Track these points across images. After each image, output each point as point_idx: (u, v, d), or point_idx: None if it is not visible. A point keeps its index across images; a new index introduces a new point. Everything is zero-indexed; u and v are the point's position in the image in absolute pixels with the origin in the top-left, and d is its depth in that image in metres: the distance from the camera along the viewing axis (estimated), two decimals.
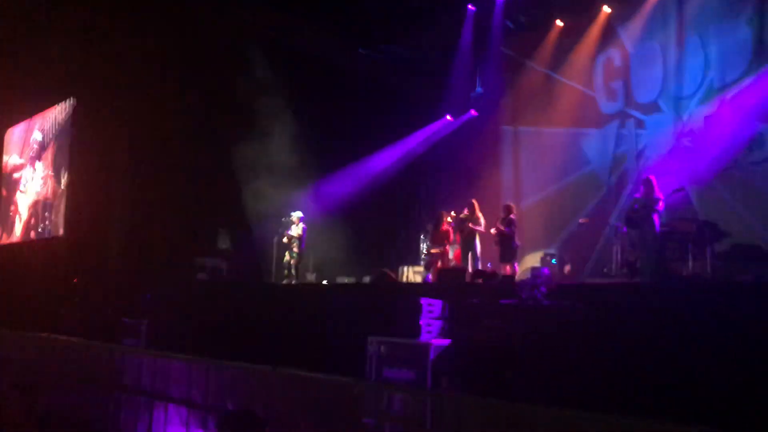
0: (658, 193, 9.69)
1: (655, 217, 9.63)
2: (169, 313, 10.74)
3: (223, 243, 14.66)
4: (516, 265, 11.92)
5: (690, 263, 9.61)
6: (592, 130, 14.72)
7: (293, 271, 13.08)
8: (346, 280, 14.12)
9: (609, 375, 5.41)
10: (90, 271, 14.08)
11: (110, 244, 14.57)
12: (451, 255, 13.06)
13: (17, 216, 18.35)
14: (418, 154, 17.35)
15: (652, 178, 9.98)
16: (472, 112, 16.96)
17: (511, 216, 11.92)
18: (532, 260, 13.76)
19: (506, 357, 5.88)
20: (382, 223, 16.56)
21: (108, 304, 12.16)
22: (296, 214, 13.30)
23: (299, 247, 13.17)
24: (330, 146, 15.00)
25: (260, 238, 14.05)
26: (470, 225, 12.10)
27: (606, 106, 14.56)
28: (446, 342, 6.37)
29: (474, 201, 12.40)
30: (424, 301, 6.69)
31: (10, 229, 18.67)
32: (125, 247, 14.38)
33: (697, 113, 12.82)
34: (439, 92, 16.78)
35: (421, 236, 15.80)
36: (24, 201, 18.21)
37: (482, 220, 12.19)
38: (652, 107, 13.66)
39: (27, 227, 17.73)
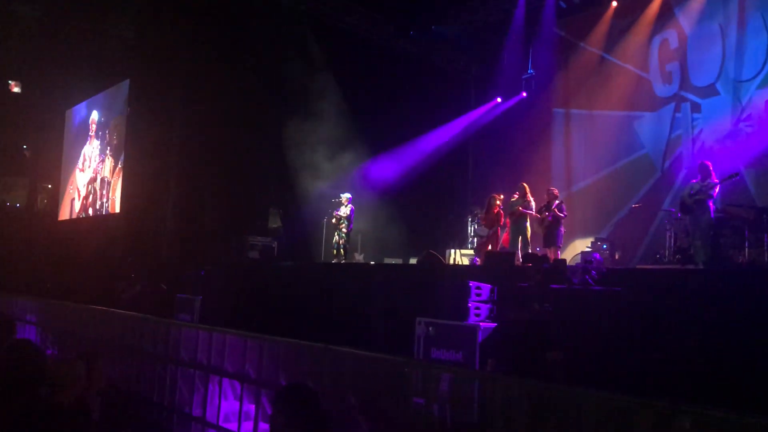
0: (714, 179, 9.46)
1: (710, 203, 9.42)
2: (222, 290, 10.89)
3: (274, 222, 14.74)
4: (558, 251, 11.59)
5: (746, 251, 9.36)
6: (646, 113, 14.32)
7: (341, 251, 13.05)
8: (393, 261, 14.07)
9: (659, 362, 5.40)
10: (145, 247, 14.61)
11: (165, 222, 14.84)
12: (500, 239, 12.61)
13: (76, 193, 19.05)
14: (467, 136, 17.22)
15: (708, 163, 9.77)
16: (523, 94, 16.70)
17: (555, 201, 11.61)
18: (582, 245, 13.51)
19: (554, 341, 5.87)
20: (431, 205, 16.35)
21: (163, 280, 12.44)
22: (345, 196, 13.26)
23: (347, 227, 13.12)
24: (380, 128, 14.88)
25: (310, 218, 14.05)
26: (520, 209, 11.87)
27: (661, 89, 14.18)
28: (494, 325, 6.36)
29: (524, 184, 12.15)
30: (472, 284, 6.76)
31: (69, 206, 19.37)
32: (179, 224, 14.65)
33: (757, 97, 12.42)
34: (489, 74, 16.64)
35: (470, 219, 15.77)
36: (82, 179, 18.92)
37: (533, 204, 11.94)
38: (710, 90, 13.26)
39: (84, 204, 18.46)
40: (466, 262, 13.45)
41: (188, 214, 14.66)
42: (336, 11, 15.22)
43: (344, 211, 13.16)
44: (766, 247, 9.34)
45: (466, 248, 14.47)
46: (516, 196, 12.16)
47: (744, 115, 12.52)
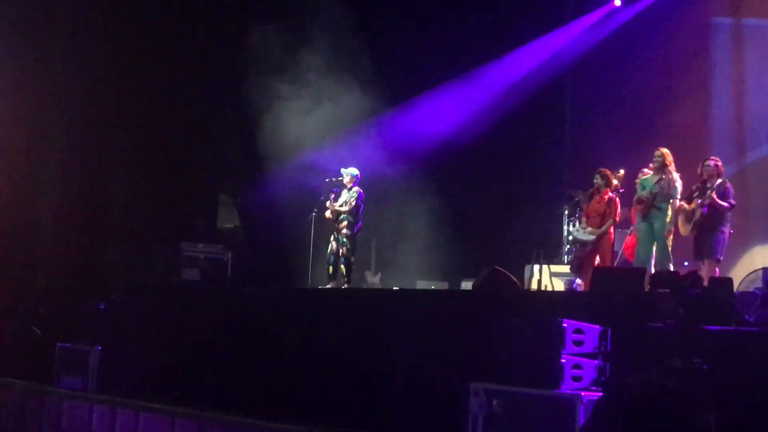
0: None
1: None
2: (137, 335, 11.22)
3: (227, 220, 15.12)
4: (717, 266, 11.19)
5: None
6: None
7: (342, 269, 12.78)
8: (432, 286, 13.82)
9: None
10: (8, 265, 14.35)
11: (42, 224, 14.94)
12: (618, 244, 12.61)
13: None
14: (562, 67, 16.47)
15: None
16: None
17: (715, 181, 11.27)
18: (762, 257, 13.00)
19: (709, 425, 5.93)
20: (496, 189, 15.71)
21: (36, 319, 12.65)
22: (349, 172, 13.03)
23: (352, 227, 12.79)
24: (407, 54, 14.93)
25: (287, 212, 14.18)
26: (653, 194, 11.47)
27: None
28: (605, 395, 6.52)
29: (664, 151, 11.61)
30: (568, 324, 6.91)
31: None
32: (66, 227, 14.71)
33: None
34: None
35: (564, 211, 15.05)
36: None
37: (677, 185, 11.50)
38: None
39: None
40: (558, 286, 13.18)
41: (81, 211, 14.69)
42: None
43: (347, 199, 12.91)
44: None
45: (559, 263, 13.99)
46: (646, 171, 11.96)
47: None
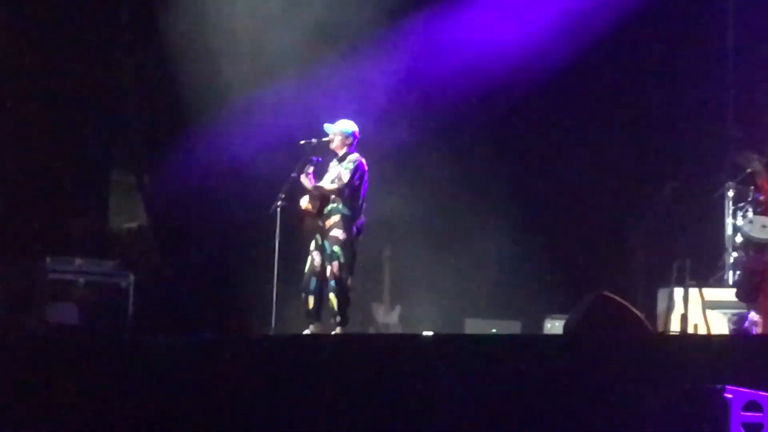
0: None
1: None
2: None
3: (125, 214, 14.04)
4: None
5: None
6: None
7: (332, 300, 11.04)
8: (494, 329, 12.91)
9: None
10: None
11: None
12: None
13: None
14: None
15: None
16: None
17: None
18: None
19: None
20: (602, 158, 13.68)
21: None
22: (338, 129, 11.16)
23: (348, 226, 11.02)
24: None
25: (230, 198, 13.12)
26: None
27: None
28: None
29: None
30: (735, 394, 6.52)
31: None
32: None
33: None
34: None
35: (727, 194, 12.61)
36: None
37: None
38: None
39: None
40: (718, 324, 11.71)
41: None
42: None
43: (337, 174, 11.24)
44: None
45: (719, 283, 12.25)
46: None
47: None
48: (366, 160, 10.93)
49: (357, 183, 10.84)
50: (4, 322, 12.09)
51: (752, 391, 6.20)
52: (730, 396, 6.13)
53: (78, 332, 11.84)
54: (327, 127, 10.89)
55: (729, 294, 11.46)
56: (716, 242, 12.77)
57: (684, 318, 11.39)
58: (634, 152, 14.14)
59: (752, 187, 11.81)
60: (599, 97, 13.94)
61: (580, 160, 13.87)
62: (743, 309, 10.95)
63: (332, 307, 10.77)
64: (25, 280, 12.49)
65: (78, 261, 12.35)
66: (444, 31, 13.69)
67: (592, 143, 13.95)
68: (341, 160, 10.84)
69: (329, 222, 10.76)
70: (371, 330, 12.76)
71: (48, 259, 12.10)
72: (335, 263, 10.68)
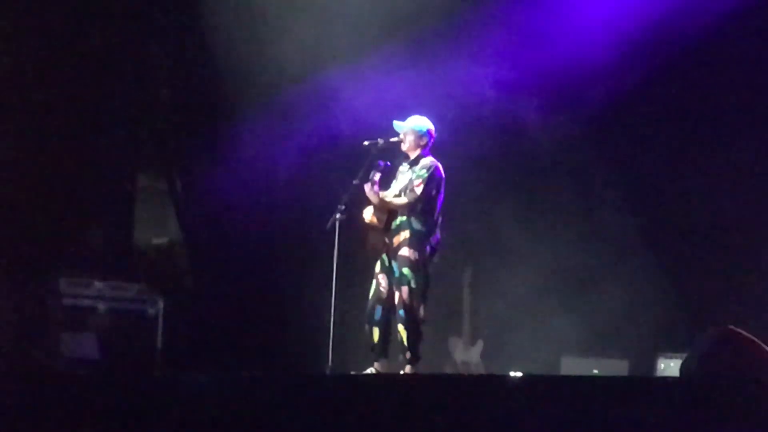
0: None
1: None
2: None
3: (154, 227, 14.25)
4: None
5: None
6: None
7: (402, 333, 10.75)
8: (596, 369, 12.88)
9: None
10: None
11: None
12: None
13: None
14: None
15: None
16: None
17: None
18: None
19: None
20: (734, 155, 13.07)
21: None
22: (410, 128, 10.92)
23: (421, 244, 10.68)
24: None
25: (281, 209, 13.37)
26: None
27: None
28: None
29: None
30: None
31: None
32: None
33: None
34: None
35: None
36: None
37: None
38: None
39: None
40: None
41: None
42: None
43: (409, 182, 10.87)
44: None
45: None
46: None
47: None
48: (441, 165, 10.49)
49: (433, 193, 10.47)
50: (10, 357, 11.80)
51: None
52: None
53: (97, 368, 11.76)
54: (397, 125, 10.57)
55: None
56: None
57: None
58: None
59: None
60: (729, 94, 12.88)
61: (701, 171, 13.36)
62: None
63: (401, 341, 10.44)
64: (35, 306, 12.16)
65: (97, 284, 12.21)
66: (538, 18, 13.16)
67: (714, 154, 13.24)
68: (413, 164, 10.50)
69: (398, 239, 10.41)
70: (447, 369, 12.59)
71: (62, 281, 11.96)
72: (405, 288, 10.30)
